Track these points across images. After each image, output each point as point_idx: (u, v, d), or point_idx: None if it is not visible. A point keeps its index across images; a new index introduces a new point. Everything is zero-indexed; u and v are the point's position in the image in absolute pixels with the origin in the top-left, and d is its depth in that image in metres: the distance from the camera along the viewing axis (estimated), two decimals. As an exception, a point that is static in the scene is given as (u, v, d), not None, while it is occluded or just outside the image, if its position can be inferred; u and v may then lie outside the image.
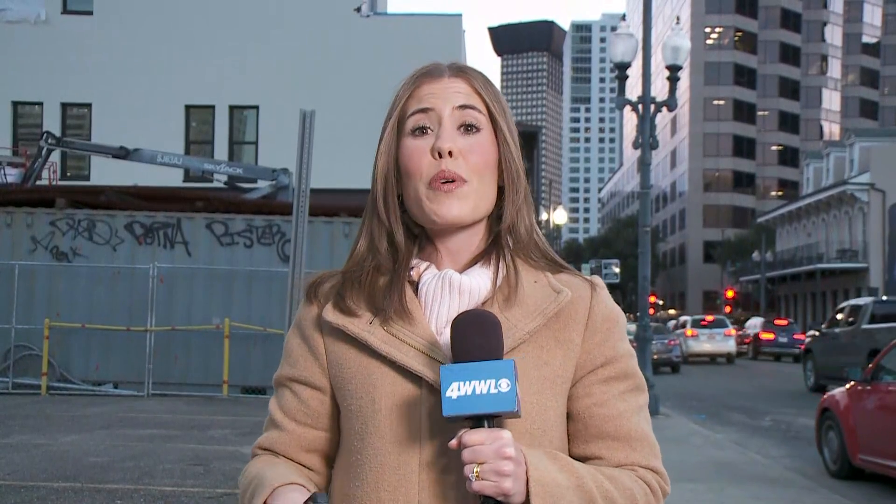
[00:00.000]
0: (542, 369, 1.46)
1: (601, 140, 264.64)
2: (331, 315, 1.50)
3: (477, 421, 1.30)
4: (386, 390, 1.45)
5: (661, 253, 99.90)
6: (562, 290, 1.49)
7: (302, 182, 11.34)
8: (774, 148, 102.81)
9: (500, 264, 1.50)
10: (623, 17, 19.08)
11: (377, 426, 1.45)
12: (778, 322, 42.31)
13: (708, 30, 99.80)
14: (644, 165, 17.16)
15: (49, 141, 20.41)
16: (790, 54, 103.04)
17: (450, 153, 1.45)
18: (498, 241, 1.52)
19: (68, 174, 28.46)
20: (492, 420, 1.30)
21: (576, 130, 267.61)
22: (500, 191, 1.54)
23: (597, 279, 1.56)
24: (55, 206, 16.53)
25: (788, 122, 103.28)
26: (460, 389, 1.28)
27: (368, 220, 1.55)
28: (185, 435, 11.42)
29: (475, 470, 1.26)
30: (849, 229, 56.21)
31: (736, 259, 78.97)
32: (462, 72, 1.53)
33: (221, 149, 28.50)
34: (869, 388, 10.46)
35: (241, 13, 27.94)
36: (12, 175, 23.72)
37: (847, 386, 11.06)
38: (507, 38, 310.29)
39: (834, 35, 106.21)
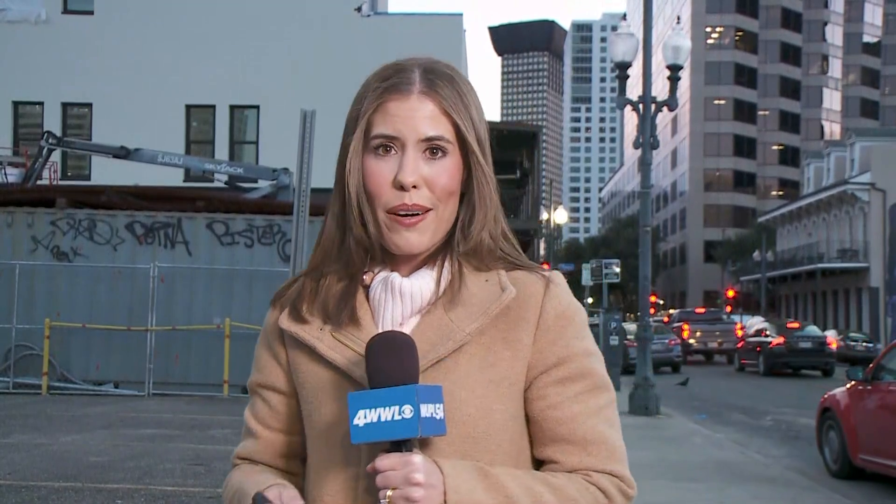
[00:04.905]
0: (486, 371, 1.42)
1: (602, 140, 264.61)
2: (285, 322, 1.51)
3: (395, 444, 1.30)
4: (333, 395, 1.45)
5: (661, 253, 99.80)
6: (507, 288, 1.45)
7: (302, 182, 11.34)
8: (775, 147, 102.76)
9: (446, 266, 1.47)
10: (624, 17, 19.07)
11: (323, 431, 1.45)
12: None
13: (708, 29, 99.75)
14: (644, 165, 17.14)
15: (50, 141, 20.42)
16: (791, 54, 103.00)
17: (413, 185, 1.41)
18: (449, 243, 1.49)
19: (69, 174, 28.46)
20: (409, 443, 1.29)
21: (576, 130, 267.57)
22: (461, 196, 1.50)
23: (554, 275, 1.51)
24: (56, 205, 16.55)
25: (789, 122, 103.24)
26: (366, 417, 1.28)
27: (333, 228, 1.52)
28: (186, 435, 11.42)
29: (387, 495, 1.26)
30: (849, 229, 56.19)
31: (736, 259, 78.88)
32: (431, 87, 1.44)
33: (222, 148, 28.50)
34: (870, 387, 10.46)
35: (241, 13, 27.95)
36: (13, 175, 23.73)
37: (848, 385, 11.04)
38: (508, 38, 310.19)
39: (835, 35, 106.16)
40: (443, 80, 1.46)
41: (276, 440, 1.57)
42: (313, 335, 1.48)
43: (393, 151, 1.43)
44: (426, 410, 1.28)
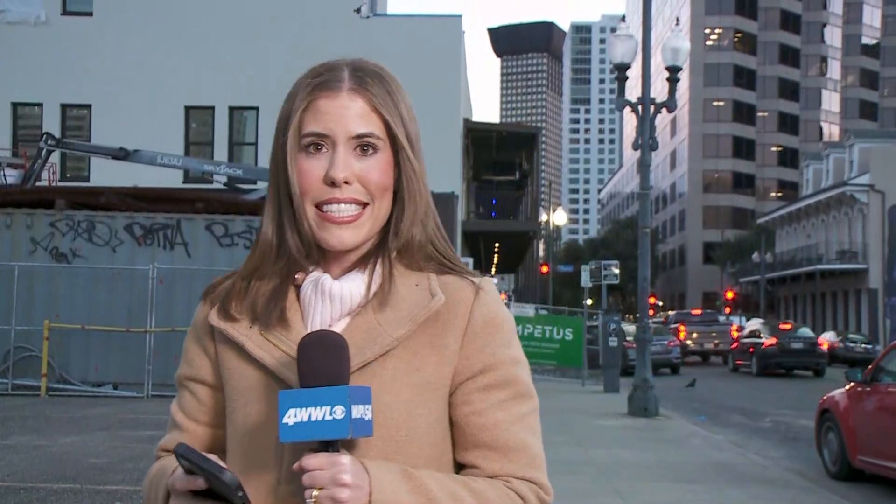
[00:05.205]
0: (412, 376, 1.43)
1: (601, 141, 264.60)
2: (214, 318, 1.51)
3: (323, 444, 1.30)
4: (259, 394, 1.45)
5: (660, 254, 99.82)
6: (436, 294, 1.46)
7: None
8: (774, 149, 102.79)
9: (378, 268, 1.48)
10: (623, 19, 19.08)
11: (246, 430, 1.45)
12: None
13: (707, 31, 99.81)
14: (644, 166, 17.15)
15: (49, 142, 20.39)
16: (790, 55, 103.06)
17: (345, 181, 1.43)
18: (382, 245, 1.50)
19: (68, 175, 28.43)
20: (335, 444, 1.30)
21: (575, 131, 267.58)
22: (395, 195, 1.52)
23: (484, 281, 1.51)
24: (55, 207, 16.53)
25: (788, 124, 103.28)
26: (296, 416, 1.28)
27: (270, 230, 1.52)
28: (185, 436, 11.39)
29: (313, 495, 1.26)
30: (848, 230, 56.20)
31: (736, 260, 78.92)
32: (361, 85, 1.46)
33: (221, 150, 28.49)
34: (868, 389, 10.46)
35: (240, 14, 27.94)
36: (12, 176, 23.70)
37: (847, 387, 11.04)
38: (507, 40, 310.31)
39: (833, 36, 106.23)
40: (372, 77, 1.48)
41: (203, 433, 1.56)
42: (242, 333, 1.48)
43: (324, 149, 1.44)
44: (357, 411, 1.28)
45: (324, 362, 1.31)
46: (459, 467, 1.48)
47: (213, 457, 1.31)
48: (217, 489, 1.31)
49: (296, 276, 1.50)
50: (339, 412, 1.27)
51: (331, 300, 1.46)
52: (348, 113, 1.44)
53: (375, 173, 1.45)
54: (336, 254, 1.50)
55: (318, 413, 1.27)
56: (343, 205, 1.44)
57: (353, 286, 1.47)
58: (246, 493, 1.31)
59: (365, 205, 1.45)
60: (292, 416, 1.28)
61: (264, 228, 1.53)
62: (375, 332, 1.43)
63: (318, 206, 1.45)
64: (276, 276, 1.51)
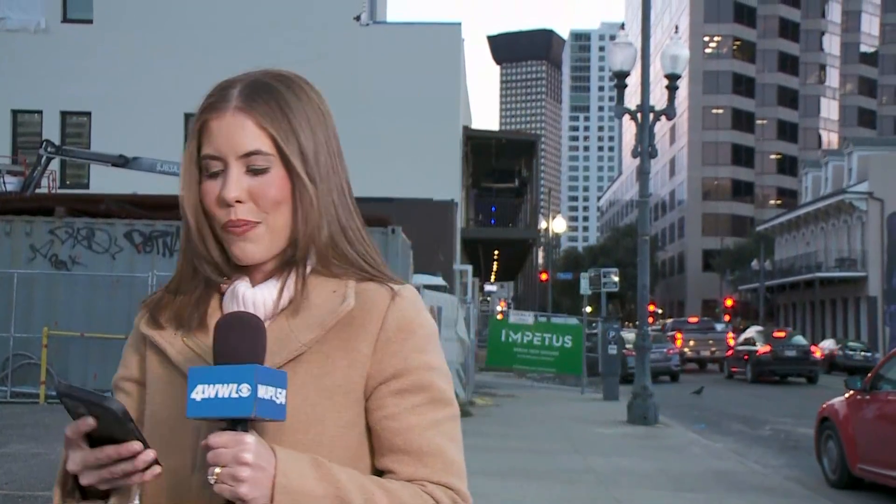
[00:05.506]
0: (322, 380, 1.45)
1: (600, 149, 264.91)
2: (143, 326, 1.56)
3: (231, 424, 1.30)
4: (173, 394, 1.47)
5: (660, 262, 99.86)
6: (347, 300, 1.48)
7: None
8: (773, 157, 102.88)
9: (291, 276, 1.50)
10: (622, 26, 19.15)
11: (161, 431, 1.46)
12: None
13: (706, 39, 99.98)
14: (643, 174, 17.17)
15: (48, 149, 20.38)
16: (788, 63, 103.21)
17: (237, 201, 1.44)
18: (296, 252, 1.51)
19: (67, 182, 28.36)
20: (244, 424, 1.30)
21: (575, 139, 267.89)
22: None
23: (403, 288, 1.52)
24: (54, 214, 16.47)
25: (787, 131, 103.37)
26: (204, 392, 1.28)
27: (184, 248, 1.55)
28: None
29: (215, 472, 1.27)
30: (847, 238, 56.21)
31: (735, 268, 78.90)
32: (247, 102, 1.47)
33: (221, 157, 28.46)
34: (868, 397, 10.46)
35: (240, 22, 27.94)
36: (11, 183, 23.68)
37: (846, 395, 11.04)
38: (506, 47, 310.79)
39: (832, 44, 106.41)
40: (263, 93, 1.49)
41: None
42: (167, 340, 1.51)
43: (220, 170, 1.46)
44: (264, 392, 1.28)
45: (238, 342, 1.32)
46: (378, 475, 1.47)
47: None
48: (107, 426, 1.31)
49: (221, 286, 1.53)
50: (245, 390, 1.27)
51: (244, 307, 1.48)
52: (235, 132, 1.45)
53: (270, 190, 1.46)
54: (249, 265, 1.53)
55: (224, 390, 1.28)
56: (241, 224, 1.46)
57: (266, 293, 1.49)
58: (136, 425, 1.31)
59: (257, 223, 1.47)
60: (200, 393, 1.29)
61: (182, 249, 1.56)
62: (287, 338, 1.45)
63: (222, 227, 1.48)
64: (202, 284, 1.54)
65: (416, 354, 1.48)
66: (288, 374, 1.38)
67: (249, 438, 1.29)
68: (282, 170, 1.47)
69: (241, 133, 1.45)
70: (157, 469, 1.33)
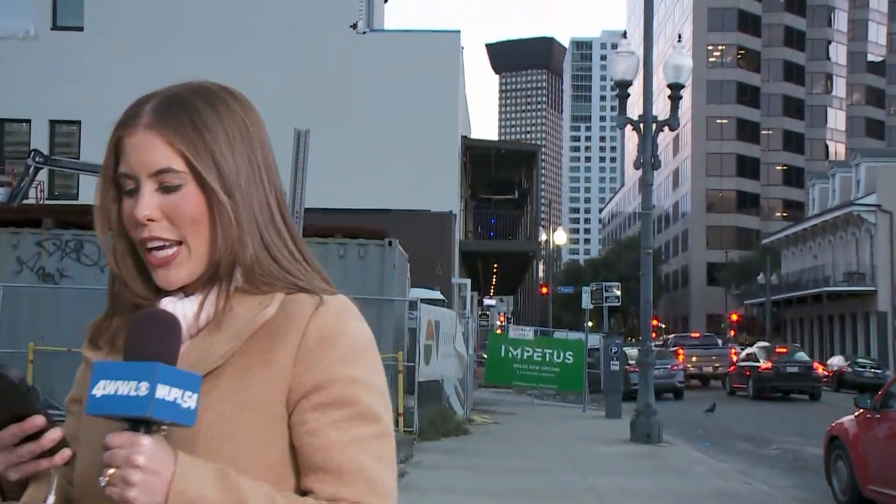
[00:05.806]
0: (239, 394, 1.41)
1: (602, 159, 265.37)
2: (84, 348, 1.56)
3: (133, 425, 1.25)
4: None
5: (663, 275, 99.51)
6: (266, 309, 1.44)
7: (296, 202, 11.45)
8: (779, 168, 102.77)
9: (213, 291, 1.46)
10: (624, 35, 19.03)
11: (93, 447, 1.38)
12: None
13: (710, 48, 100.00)
14: (646, 185, 17.15)
15: (37, 159, 20.25)
16: (794, 73, 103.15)
17: (150, 219, 1.42)
18: (219, 269, 1.47)
19: (56, 193, 28.23)
20: (148, 426, 1.25)
21: (576, 149, 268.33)
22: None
23: (331, 298, 1.48)
24: (42, 226, 16.34)
25: (793, 142, 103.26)
26: (105, 388, 1.25)
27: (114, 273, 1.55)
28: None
29: (108, 473, 1.24)
30: (856, 251, 55.75)
31: (740, 282, 78.62)
32: (158, 119, 1.44)
33: (214, 167, 28.31)
34: (878, 416, 10.34)
35: (235, 30, 27.82)
36: (-2, 194, 23.46)
37: (856, 413, 10.88)
38: (506, 55, 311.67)
39: (839, 53, 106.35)
40: (176, 108, 1.47)
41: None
42: (100, 359, 1.49)
43: (134, 188, 1.44)
44: (165, 392, 1.24)
45: (149, 338, 1.30)
46: (303, 496, 1.41)
47: None
48: (7, 403, 1.29)
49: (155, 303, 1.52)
50: (144, 388, 1.24)
51: None
52: (145, 150, 1.44)
53: (184, 207, 1.43)
54: None
55: (124, 388, 1.25)
56: (156, 242, 1.43)
57: (187, 307, 1.46)
58: (37, 391, 1.30)
59: (179, 242, 1.44)
60: (101, 389, 1.26)
61: (110, 272, 1.55)
62: (206, 351, 1.43)
63: (142, 248, 1.45)
64: (133, 304, 1.50)
65: (338, 366, 1.43)
66: (207, 387, 1.36)
67: (146, 441, 1.25)
68: (196, 187, 1.45)
69: (152, 151, 1.44)
70: (67, 452, 1.32)
